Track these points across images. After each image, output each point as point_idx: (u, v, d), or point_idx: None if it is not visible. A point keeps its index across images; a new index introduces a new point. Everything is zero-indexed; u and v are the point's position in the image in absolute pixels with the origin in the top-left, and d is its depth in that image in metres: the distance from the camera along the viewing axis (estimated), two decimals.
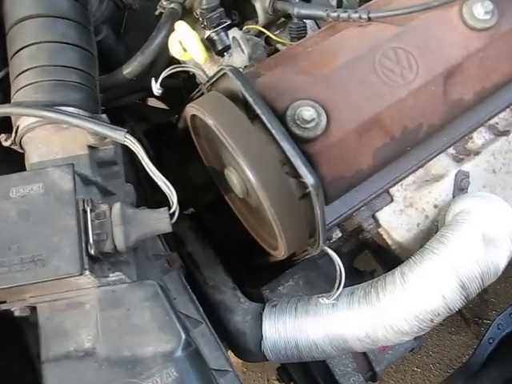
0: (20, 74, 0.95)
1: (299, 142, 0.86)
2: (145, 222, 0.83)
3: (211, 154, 1.06)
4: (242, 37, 1.06)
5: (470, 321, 2.22)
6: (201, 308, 0.97)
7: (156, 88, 0.93)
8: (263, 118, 0.83)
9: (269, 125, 0.82)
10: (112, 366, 0.75)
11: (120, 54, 1.27)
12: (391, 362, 1.19)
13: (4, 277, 0.74)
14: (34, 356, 0.89)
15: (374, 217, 1.07)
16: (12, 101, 0.95)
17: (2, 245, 0.76)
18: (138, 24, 1.33)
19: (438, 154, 1.06)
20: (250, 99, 0.83)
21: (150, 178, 0.85)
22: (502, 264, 0.93)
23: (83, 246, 0.76)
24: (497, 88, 1.04)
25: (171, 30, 1.12)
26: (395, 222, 1.07)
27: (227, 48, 1.13)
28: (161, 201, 0.86)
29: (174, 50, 1.12)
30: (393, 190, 1.07)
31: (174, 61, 1.17)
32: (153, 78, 0.93)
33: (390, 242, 1.09)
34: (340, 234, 1.06)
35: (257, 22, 1.18)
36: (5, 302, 0.81)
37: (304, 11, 1.07)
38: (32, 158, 0.90)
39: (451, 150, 1.09)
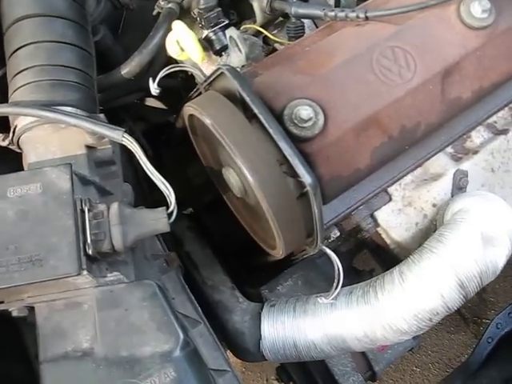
0: (18, 73, 0.94)
1: (297, 142, 0.85)
2: (143, 221, 0.83)
3: (209, 153, 1.05)
4: (240, 36, 1.06)
5: (469, 320, 2.22)
6: (199, 308, 0.97)
7: (154, 88, 0.93)
8: (260, 117, 0.82)
9: (266, 124, 0.82)
10: (110, 366, 0.75)
11: (118, 53, 1.27)
12: (390, 361, 1.19)
13: (2, 277, 0.74)
14: (32, 356, 0.89)
15: (372, 216, 1.07)
16: (10, 100, 0.95)
17: None
18: (136, 24, 1.33)
19: (436, 153, 1.06)
20: (248, 99, 0.83)
21: (149, 177, 0.85)
22: (501, 263, 0.93)
23: (81, 245, 0.76)
24: (495, 87, 1.04)
25: (169, 29, 1.12)
26: (394, 222, 1.07)
27: (225, 48, 1.13)
28: (159, 200, 0.86)
29: (172, 50, 1.12)
30: (391, 189, 1.06)
31: (171, 60, 1.17)
32: (150, 78, 0.93)
33: (388, 241, 1.09)
34: (338, 234, 1.05)
35: (254, 22, 1.18)
36: (2, 302, 0.81)
37: (302, 10, 1.06)
38: (30, 157, 0.90)
39: (450, 149, 1.09)
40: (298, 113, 0.87)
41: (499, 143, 1.11)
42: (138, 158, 0.85)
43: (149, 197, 1.18)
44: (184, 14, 1.16)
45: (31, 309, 0.80)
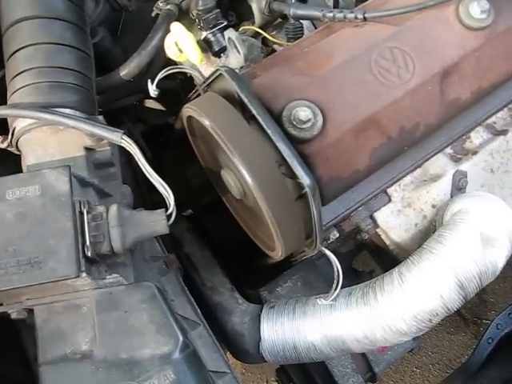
0: (16, 75, 0.94)
1: (295, 143, 0.85)
2: (142, 223, 0.83)
3: (208, 155, 1.05)
4: (238, 37, 1.06)
5: (469, 321, 2.22)
6: (199, 310, 0.96)
7: (152, 89, 0.93)
8: (259, 118, 0.82)
9: (265, 125, 0.82)
10: (109, 369, 0.75)
11: (117, 55, 1.27)
12: (390, 362, 1.18)
13: (0, 279, 0.74)
14: (31, 358, 0.89)
15: (371, 217, 1.07)
16: (8, 102, 0.95)
17: None
18: (135, 25, 1.33)
19: (435, 154, 1.06)
20: (246, 100, 0.83)
21: (148, 179, 0.85)
22: (501, 264, 0.93)
23: (80, 247, 0.76)
24: (494, 87, 1.04)
25: (168, 31, 1.12)
26: (393, 223, 1.07)
27: (224, 49, 1.13)
28: (158, 202, 0.86)
29: (170, 52, 1.12)
30: (390, 190, 1.06)
31: (170, 62, 1.17)
32: (149, 80, 0.93)
33: (388, 242, 1.09)
34: (337, 235, 1.05)
35: (253, 23, 1.18)
36: (2, 304, 0.80)
37: (300, 12, 1.07)
38: (28, 159, 0.90)
39: (449, 150, 1.09)
40: (297, 114, 0.87)
41: (498, 144, 1.10)
42: (137, 159, 0.85)
43: (148, 198, 1.18)
44: (182, 15, 1.16)
45: (30, 311, 0.80)
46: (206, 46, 1.14)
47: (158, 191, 0.85)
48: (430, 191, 1.06)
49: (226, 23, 1.13)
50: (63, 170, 0.81)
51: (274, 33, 1.21)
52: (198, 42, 1.11)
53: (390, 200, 1.07)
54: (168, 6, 1.15)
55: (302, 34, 1.13)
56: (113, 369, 0.75)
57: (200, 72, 1.13)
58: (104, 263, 0.82)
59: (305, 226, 0.88)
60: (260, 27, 1.17)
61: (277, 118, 0.86)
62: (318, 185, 0.81)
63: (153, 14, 1.19)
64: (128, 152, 0.87)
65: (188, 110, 0.91)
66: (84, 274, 0.75)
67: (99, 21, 1.22)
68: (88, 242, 0.77)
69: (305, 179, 0.80)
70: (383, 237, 1.09)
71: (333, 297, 0.92)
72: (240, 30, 1.16)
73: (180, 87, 1.35)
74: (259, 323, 1.03)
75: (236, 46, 1.06)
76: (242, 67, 1.08)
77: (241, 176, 0.85)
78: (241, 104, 0.85)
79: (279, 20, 1.21)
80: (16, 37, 0.96)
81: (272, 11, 1.14)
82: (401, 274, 0.93)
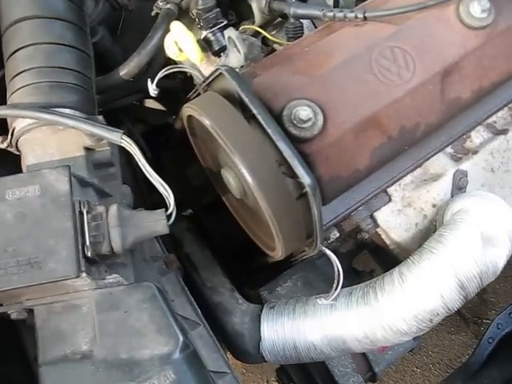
0: (16, 75, 0.94)
1: (296, 142, 0.85)
2: (142, 223, 0.82)
3: (208, 154, 1.05)
4: (238, 37, 1.06)
5: (470, 320, 2.22)
6: (199, 310, 0.96)
7: (152, 89, 0.93)
8: (259, 118, 0.82)
9: (265, 125, 0.82)
10: (109, 369, 0.75)
11: (116, 55, 1.27)
12: (391, 362, 1.18)
13: (0, 279, 0.74)
14: (31, 359, 0.89)
15: (372, 217, 1.07)
16: (8, 102, 0.95)
17: None
18: (135, 25, 1.33)
19: (435, 153, 1.06)
20: (246, 99, 0.83)
21: (148, 179, 0.85)
22: (501, 263, 0.93)
23: (80, 248, 0.76)
24: (494, 86, 1.03)
25: (167, 30, 1.12)
26: (393, 222, 1.06)
27: (224, 48, 1.12)
28: (158, 202, 0.86)
29: (170, 51, 1.12)
30: (391, 190, 1.06)
31: (170, 61, 1.17)
32: (149, 79, 0.93)
33: (388, 241, 1.09)
34: (338, 235, 1.05)
35: (253, 22, 1.18)
36: (1, 304, 0.80)
37: (300, 11, 1.06)
38: (28, 159, 0.90)
39: (449, 149, 1.09)
40: (297, 113, 0.87)
41: (499, 143, 1.10)
42: (137, 159, 0.85)
43: (148, 198, 1.18)
44: (182, 14, 1.16)
45: (30, 311, 0.80)
46: (205, 45, 1.14)
47: (158, 191, 0.85)
48: (430, 191, 1.06)
49: (225, 22, 1.13)
50: (63, 170, 0.81)
51: (274, 32, 1.20)
52: (197, 41, 1.11)
53: (390, 199, 1.07)
54: (168, 5, 1.15)
55: (302, 33, 1.12)
56: (113, 369, 0.75)
57: (200, 71, 1.13)
58: (104, 263, 0.82)
59: (305, 225, 0.88)
60: (260, 26, 1.17)
61: (277, 118, 0.86)
62: (318, 184, 0.81)
63: (153, 14, 1.19)
64: (128, 152, 0.87)
65: (188, 110, 0.91)
66: (84, 275, 0.75)
67: (99, 20, 1.22)
68: (88, 242, 0.77)
69: (305, 179, 0.80)
70: (383, 236, 1.09)
71: (333, 296, 0.92)
72: (240, 29, 1.15)
73: (180, 87, 1.34)
74: (259, 323, 1.03)
75: (236, 46, 1.06)
76: (242, 66, 1.07)
77: (241, 175, 0.85)
78: (241, 103, 0.85)
79: (279, 19, 1.21)
80: (16, 37, 0.96)
81: (272, 10, 1.13)
82: (401, 274, 0.93)
